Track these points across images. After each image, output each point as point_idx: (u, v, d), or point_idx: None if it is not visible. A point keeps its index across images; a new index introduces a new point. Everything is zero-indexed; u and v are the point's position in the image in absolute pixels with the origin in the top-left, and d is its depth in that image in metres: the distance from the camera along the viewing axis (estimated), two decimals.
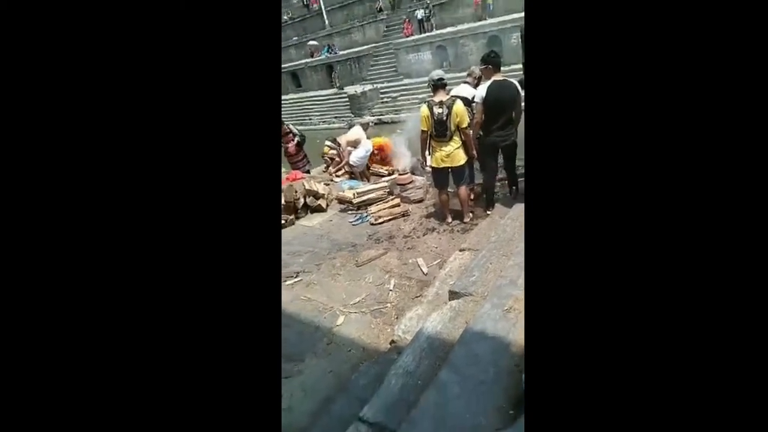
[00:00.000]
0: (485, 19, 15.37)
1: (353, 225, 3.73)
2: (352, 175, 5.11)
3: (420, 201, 3.96)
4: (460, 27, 15.99)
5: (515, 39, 13.04)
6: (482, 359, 1.32)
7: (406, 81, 16.71)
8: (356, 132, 5.13)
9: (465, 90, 3.41)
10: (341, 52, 19.66)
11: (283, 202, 3.85)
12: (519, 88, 2.95)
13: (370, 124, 6.00)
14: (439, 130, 3.03)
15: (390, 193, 4.10)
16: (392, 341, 2.04)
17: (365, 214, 3.83)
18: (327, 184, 4.57)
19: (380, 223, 3.61)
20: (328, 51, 20.19)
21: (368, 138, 5.11)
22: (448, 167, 3.16)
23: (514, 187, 3.41)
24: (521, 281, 1.61)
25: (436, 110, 2.97)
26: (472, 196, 3.37)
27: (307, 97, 20.09)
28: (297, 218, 4.01)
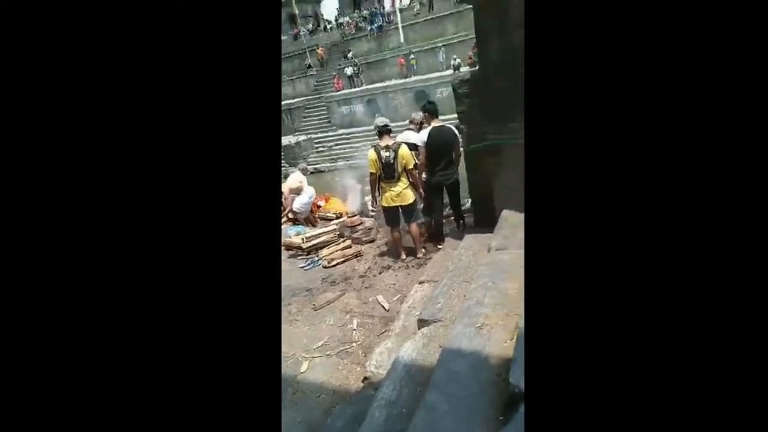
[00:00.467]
0: (410, 77, 16.89)
1: (305, 270, 3.67)
2: (296, 221, 5.09)
3: (372, 241, 4.02)
4: (388, 83, 17.38)
5: (439, 93, 14.33)
6: (463, 375, 1.36)
7: (341, 131, 17.37)
8: (297, 178, 5.19)
9: (411, 135, 3.68)
10: None
11: None
12: (456, 132, 3.28)
13: (308, 171, 6.08)
14: (387, 172, 3.23)
15: (340, 236, 4.13)
16: (365, 378, 2.01)
17: (317, 259, 3.80)
18: None
19: (334, 266, 3.60)
20: None
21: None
22: (399, 206, 3.33)
23: (460, 221, 3.64)
24: (487, 300, 1.72)
25: (384, 154, 3.18)
26: (423, 232, 3.53)
27: None
28: None
